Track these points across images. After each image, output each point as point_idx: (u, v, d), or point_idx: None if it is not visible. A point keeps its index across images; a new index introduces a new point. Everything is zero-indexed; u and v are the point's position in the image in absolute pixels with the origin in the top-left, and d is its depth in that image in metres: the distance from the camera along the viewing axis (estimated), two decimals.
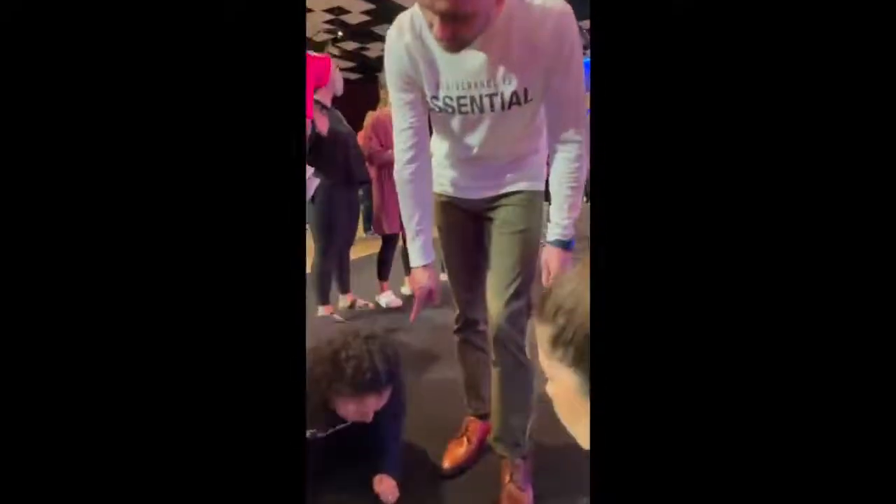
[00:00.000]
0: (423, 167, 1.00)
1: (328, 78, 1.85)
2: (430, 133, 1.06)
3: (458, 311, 1.22)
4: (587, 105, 0.91)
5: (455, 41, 0.78)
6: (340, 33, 7.26)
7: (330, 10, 6.52)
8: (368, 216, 2.55)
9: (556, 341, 0.45)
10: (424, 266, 1.03)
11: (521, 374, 1.08)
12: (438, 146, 1.08)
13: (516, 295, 1.03)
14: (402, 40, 0.89)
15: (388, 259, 2.52)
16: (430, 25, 0.77)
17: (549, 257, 0.98)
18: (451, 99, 0.91)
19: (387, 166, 2.18)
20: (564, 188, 0.95)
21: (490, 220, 1.08)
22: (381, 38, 0.93)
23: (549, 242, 0.99)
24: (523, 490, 1.11)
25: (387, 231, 2.39)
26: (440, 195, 1.11)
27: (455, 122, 0.96)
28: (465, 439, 1.28)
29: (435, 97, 0.93)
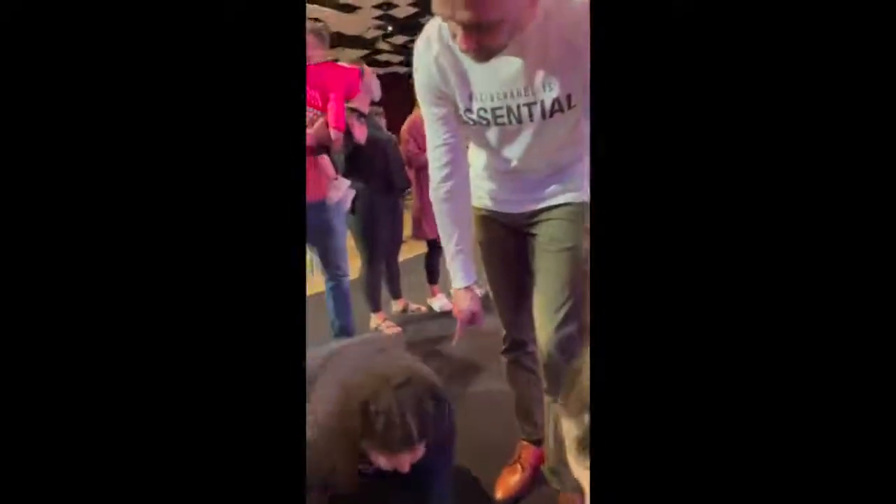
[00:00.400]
0: (460, 185, 0.93)
1: (358, 89, 1.81)
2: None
3: (504, 332, 1.13)
4: None
5: (481, 52, 0.69)
6: (390, 28, 7.28)
7: (378, 6, 6.54)
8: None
9: (583, 445, 0.38)
10: (466, 288, 0.96)
11: None
12: (476, 157, 0.99)
13: (567, 319, 0.93)
14: (430, 52, 0.82)
15: (435, 264, 2.45)
16: (454, 36, 0.69)
17: None
18: (485, 111, 0.83)
19: (425, 169, 2.09)
20: None
21: (533, 235, 0.98)
22: None
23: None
24: None
25: (430, 236, 2.31)
26: (479, 209, 1.02)
27: (491, 135, 0.87)
28: (518, 466, 1.20)
29: (469, 110, 0.84)
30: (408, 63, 8.71)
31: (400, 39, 7.74)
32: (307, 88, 1.65)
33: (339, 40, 5.72)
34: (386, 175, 1.89)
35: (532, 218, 0.97)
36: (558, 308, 0.93)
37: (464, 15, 0.63)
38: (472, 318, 0.99)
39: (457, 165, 0.91)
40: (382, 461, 0.90)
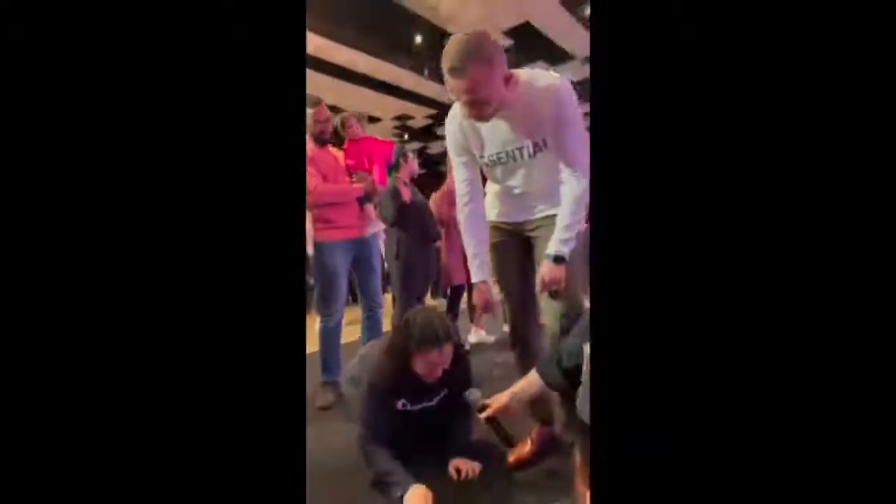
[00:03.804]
0: (477, 208, 1.35)
1: (392, 156, 2.38)
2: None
3: (510, 326, 1.42)
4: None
5: (481, 117, 1.13)
6: (406, 136, 8.27)
7: (398, 118, 7.53)
8: None
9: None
10: (482, 282, 1.34)
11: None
12: (490, 188, 1.40)
13: (569, 309, 1.25)
14: (455, 121, 1.28)
15: (455, 305, 2.85)
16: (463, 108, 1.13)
17: (543, 270, 1.24)
18: (493, 156, 1.26)
19: (453, 227, 2.62)
20: (562, 213, 1.23)
21: (534, 238, 1.34)
22: (442, 137, 1.33)
23: (545, 256, 1.24)
24: None
25: (455, 282, 2.77)
26: (492, 222, 1.39)
27: (498, 172, 1.30)
28: (528, 440, 1.43)
29: (482, 157, 1.28)
30: (422, 165, 9.71)
31: (415, 145, 8.76)
32: (355, 156, 2.20)
33: None
34: (423, 228, 2.39)
35: (529, 226, 1.33)
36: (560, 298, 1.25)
37: (464, 97, 1.07)
38: (487, 307, 1.35)
39: (473, 195, 1.33)
40: (420, 366, 1.31)
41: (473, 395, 1.31)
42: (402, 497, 1.21)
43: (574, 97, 1.18)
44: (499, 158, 1.26)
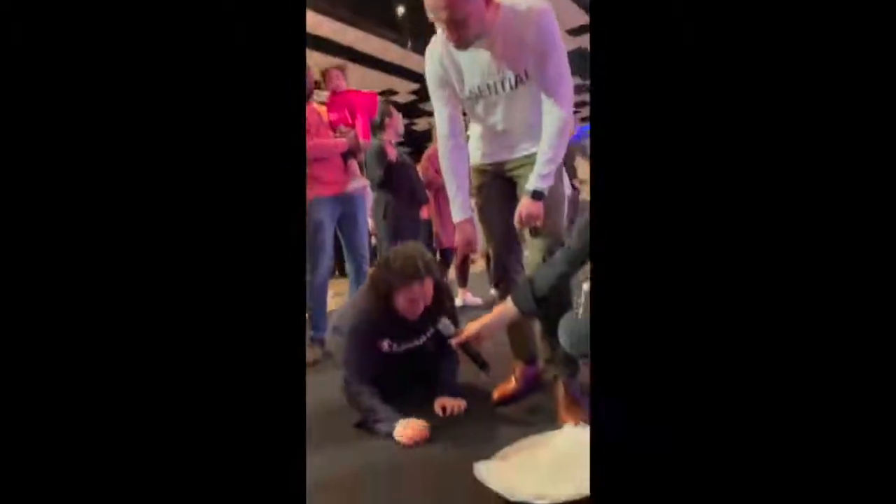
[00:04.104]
0: (458, 144, 1.33)
1: (377, 110, 2.36)
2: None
3: (492, 265, 1.43)
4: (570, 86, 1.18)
5: (461, 40, 1.11)
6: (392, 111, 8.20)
7: (382, 93, 7.45)
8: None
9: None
10: (465, 220, 1.34)
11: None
12: (473, 129, 1.40)
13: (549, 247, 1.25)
14: (434, 53, 1.26)
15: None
16: (443, 32, 1.11)
17: (521, 205, 1.23)
18: (474, 89, 1.25)
19: (442, 190, 2.62)
20: (543, 146, 1.20)
21: (516, 178, 1.34)
22: (428, 114, 1.31)
23: (524, 191, 1.23)
24: (579, 400, 1.26)
25: (445, 245, 2.80)
26: (475, 165, 1.39)
27: (479, 108, 1.28)
28: (512, 378, 1.47)
29: (462, 91, 1.27)
30: (407, 143, 9.66)
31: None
32: (338, 110, 2.17)
33: None
34: (411, 189, 2.41)
35: (511, 165, 1.32)
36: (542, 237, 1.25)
37: (443, 14, 1.04)
38: (469, 246, 1.35)
39: (455, 131, 1.31)
40: (401, 302, 1.32)
41: (446, 325, 1.34)
42: (389, 434, 1.22)
43: (556, 23, 1.16)
44: (480, 91, 1.24)
